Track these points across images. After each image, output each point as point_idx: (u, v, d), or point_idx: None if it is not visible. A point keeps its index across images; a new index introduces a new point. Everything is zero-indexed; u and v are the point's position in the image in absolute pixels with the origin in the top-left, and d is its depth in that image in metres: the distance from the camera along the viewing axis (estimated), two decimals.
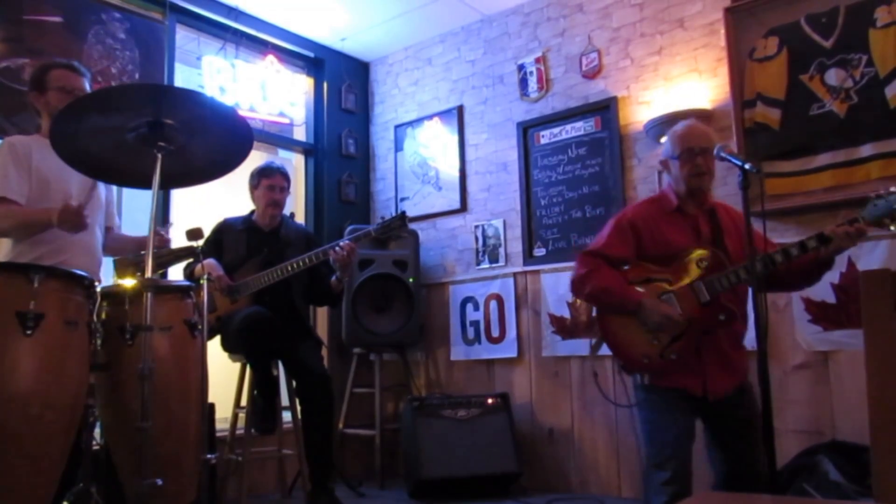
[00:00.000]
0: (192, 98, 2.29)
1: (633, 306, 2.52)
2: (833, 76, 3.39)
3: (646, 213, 2.65)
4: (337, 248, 3.40)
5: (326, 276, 3.62)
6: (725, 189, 3.64)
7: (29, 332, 2.00)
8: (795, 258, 2.35)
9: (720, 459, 2.55)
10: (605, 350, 2.70)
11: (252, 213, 3.81)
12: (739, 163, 2.28)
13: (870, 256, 3.22)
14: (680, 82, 3.91)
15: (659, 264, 2.57)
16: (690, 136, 2.59)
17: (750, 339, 3.37)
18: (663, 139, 3.80)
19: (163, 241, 2.93)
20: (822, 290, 3.31)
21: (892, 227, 2.25)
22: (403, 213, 3.48)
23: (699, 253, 2.52)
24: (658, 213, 2.63)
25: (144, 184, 2.26)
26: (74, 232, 2.58)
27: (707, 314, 2.47)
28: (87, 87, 2.85)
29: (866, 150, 3.27)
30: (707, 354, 2.50)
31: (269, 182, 3.70)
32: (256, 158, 4.02)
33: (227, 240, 3.70)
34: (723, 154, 2.40)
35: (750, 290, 2.37)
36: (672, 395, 2.51)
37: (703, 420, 2.58)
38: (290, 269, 3.45)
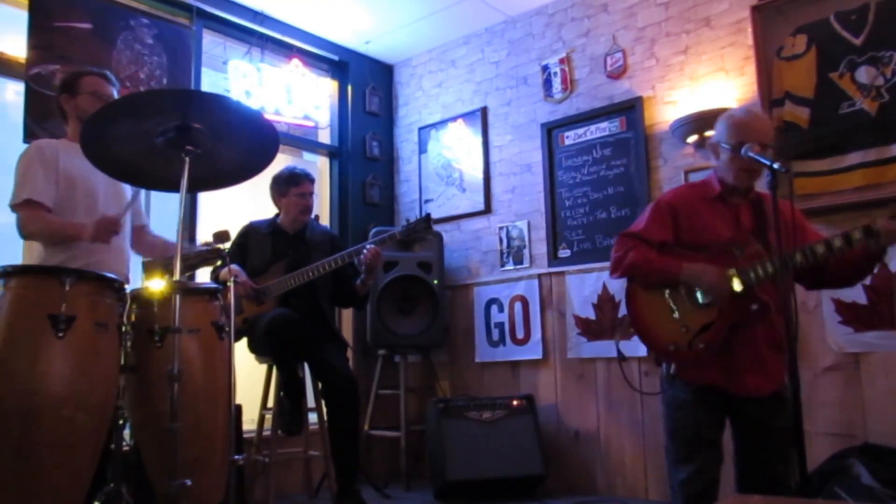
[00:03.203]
0: (219, 102, 2.32)
1: (676, 272, 2.39)
2: (863, 74, 3.33)
3: (686, 197, 2.53)
4: (364, 253, 3.42)
5: (351, 278, 3.64)
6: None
7: (61, 334, 2.03)
8: (838, 251, 2.21)
9: (742, 464, 2.44)
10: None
11: (277, 216, 3.83)
12: (768, 162, 2.24)
13: None
14: (706, 82, 3.87)
15: (694, 251, 2.44)
16: (751, 129, 2.39)
17: None
18: (690, 139, 3.79)
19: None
20: (853, 291, 3.25)
21: None
22: (428, 215, 3.49)
23: (735, 242, 2.39)
24: (698, 199, 2.50)
25: (172, 187, 2.28)
26: (106, 242, 2.62)
27: (739, 305, 2.34)
28: (116, 97, 2.90)
29: None
30: (739, 350, 2.37)
31: (300, 190, 3.71)
32: (282, 161, 4.05)
33: (253, 243, 3.72)
34: (751, 154, 2.37)
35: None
36: (697, 391, 2.41)
37: (730, 420, 2.47)
38: (315, 272, 3.47)
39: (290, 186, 3.71)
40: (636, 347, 3.56)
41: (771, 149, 2.39)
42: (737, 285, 2.34)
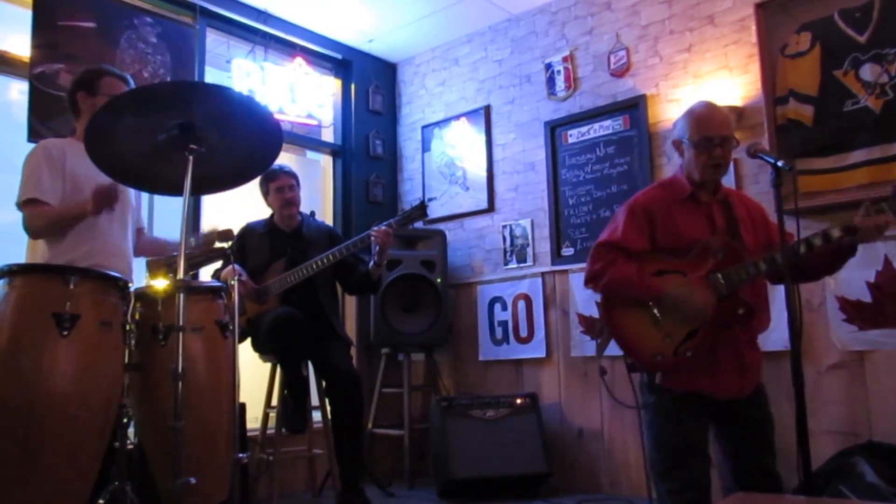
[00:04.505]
0: (222, 94, 2.30)
1: (657, 296, 2.35)
2: (868, 71, 3.33)
3: (660, 199, 2.47)
4: (374, 236, 3.42)
5: (355, 266, 3.64)
6: (757, 187, 3.59)
7: (65, 332, 2.04)
8: (819, 249, 2.22)
9: (731, 465, 2.40)
10: (611, 351, 2.56)
11: (273, 216, 3.84)
12: (772, 160, 2.24)
13: None
14: (710, 79, 3.87)
15: (672, 255, 2.40)
16: (710, 122, 2.40)
17: (783, 340, 3.34)
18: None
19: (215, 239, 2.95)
20: (857, 289, 3.25)
21: None
22: (422, 201, 3.51)
23: (715, 244, 2.35)
24: (671, 200, 2.45)
25: (176, 190, 2.25)
26: (110, 208, 2.61)
27: (725, 308, 2.31)
28: None
29: None
30: (722, 352, 2.34)
31: (277, 185, 3.72)
32: (284, 160, 4.05)
33: (251, 244, 3.74)
34: (755, 151, 2.36)
35: (781, 287, 2.26)
36: (684, 398, 2.35)
37: (714, 423, 2.43)
38: (315, 266, 3.48)
39: (269, 183, 3.74)
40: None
41: (734, 140, 2.44)
42: (723, 289, 2.31)
